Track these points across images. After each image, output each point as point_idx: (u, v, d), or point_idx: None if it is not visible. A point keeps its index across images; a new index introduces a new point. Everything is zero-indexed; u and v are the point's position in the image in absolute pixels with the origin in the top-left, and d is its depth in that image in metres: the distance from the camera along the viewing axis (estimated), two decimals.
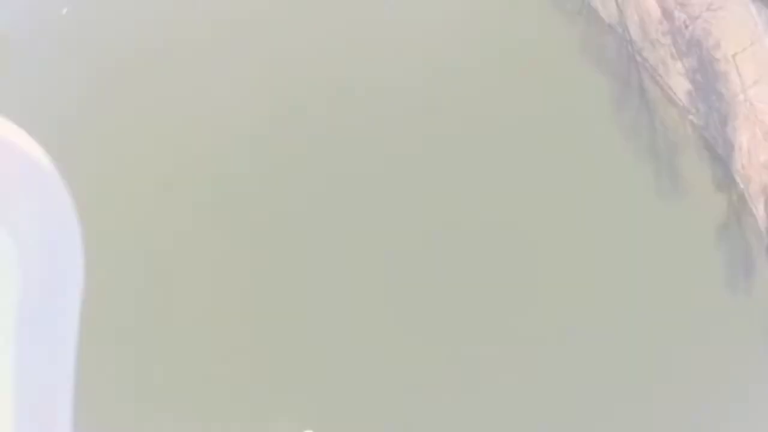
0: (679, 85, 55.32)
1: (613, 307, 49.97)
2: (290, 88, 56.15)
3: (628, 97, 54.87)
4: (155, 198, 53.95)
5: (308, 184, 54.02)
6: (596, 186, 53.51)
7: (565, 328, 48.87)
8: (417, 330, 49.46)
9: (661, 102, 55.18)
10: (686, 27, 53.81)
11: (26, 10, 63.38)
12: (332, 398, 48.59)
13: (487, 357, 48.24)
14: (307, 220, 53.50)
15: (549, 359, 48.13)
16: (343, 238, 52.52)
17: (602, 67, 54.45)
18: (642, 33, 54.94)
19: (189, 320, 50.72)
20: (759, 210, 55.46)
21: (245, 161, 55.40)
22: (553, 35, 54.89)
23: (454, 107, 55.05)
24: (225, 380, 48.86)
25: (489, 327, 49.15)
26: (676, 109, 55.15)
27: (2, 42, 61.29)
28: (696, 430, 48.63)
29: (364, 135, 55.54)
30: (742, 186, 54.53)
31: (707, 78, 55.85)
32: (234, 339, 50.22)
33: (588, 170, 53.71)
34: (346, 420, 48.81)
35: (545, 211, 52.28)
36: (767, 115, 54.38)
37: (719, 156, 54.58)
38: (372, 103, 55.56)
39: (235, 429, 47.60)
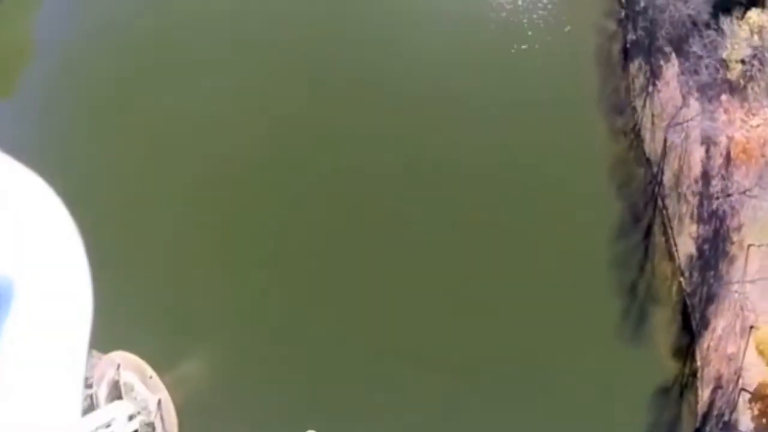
0: (685, 246, 55.42)
1: None
2: None
3: (633, 231, 55.70)
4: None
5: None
6: (564, 294, 53.92)
7: None
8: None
9: (661, 252, 55.76)
10: (717, 198, 54.13)
11: None
12: None
13: None
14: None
15: None
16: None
17: (622, 193, 55.57)
18: (674, 181, 55.75)
19: None
20: (704, 394, 54.32)
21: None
22: (592, 144, 56.61)
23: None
24: None
25: None
26: (672, 265, 55.40)
27: None
28: None
29: None
30: (699, 365, 54.12)
31: (714, 253, 55.79)
32: None
33: (564, 280, 54.22)
34: None
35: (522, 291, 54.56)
36: (752, 314, 54.14)
37: (691, 328, 54.43)
38: None
39: None
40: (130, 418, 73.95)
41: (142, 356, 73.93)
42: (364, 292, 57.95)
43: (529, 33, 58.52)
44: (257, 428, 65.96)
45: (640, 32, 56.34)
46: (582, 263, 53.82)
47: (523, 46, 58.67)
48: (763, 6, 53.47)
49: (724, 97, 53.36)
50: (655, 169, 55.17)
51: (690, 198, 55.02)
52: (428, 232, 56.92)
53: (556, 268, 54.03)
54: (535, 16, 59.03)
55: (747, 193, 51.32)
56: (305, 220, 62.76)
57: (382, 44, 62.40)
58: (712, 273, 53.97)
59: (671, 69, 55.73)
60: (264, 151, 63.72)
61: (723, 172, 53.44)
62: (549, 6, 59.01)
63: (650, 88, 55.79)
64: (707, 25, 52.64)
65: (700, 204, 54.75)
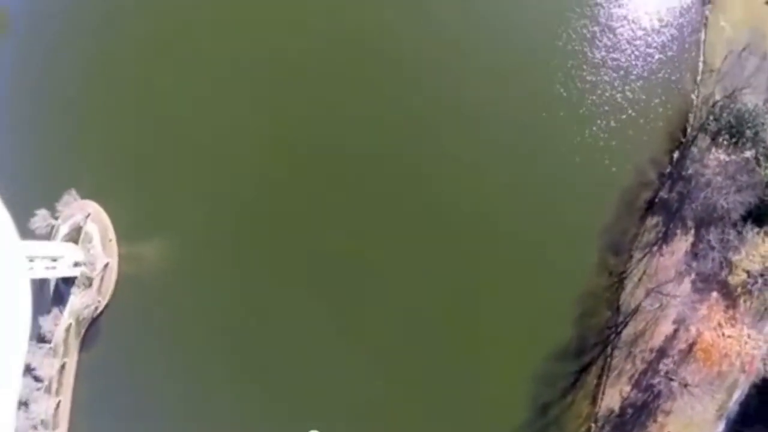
0: (611, 399, 56.15)
1: None
2: None
3: (572, 360, 56.18)
4: None
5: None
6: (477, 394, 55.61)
7: None
8: None
9: (587, 392, 56.46)
10: (661, 376, 54.13)
11: None
12: None
13: None
14: None
15: None
16: None
17: (581, 322, 56.27)
18: (632, 340, 56.44)
19: None
20: None
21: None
22: (576, 267, 57.28)
23: None
24: None
25: None
26: (590, 409, 56.18)
27: None
28: None
29: None
30: None
31: (634, 421, 56.03)
32: None
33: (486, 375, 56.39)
34: None
35: None
36: None
37: None
38: None
39: None
40: (76, 264, 77.57)
41: (113, 218, 78.34)
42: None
43: (569, 148, 60.20)
44: (179, 322, 69.91)
45: (673, 194, 57.49)
46: (512, 361, 55.32)
47: (557, 159, 60.35)
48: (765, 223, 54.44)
49: (714, 294, 54.11)
50: (620, 319, 56.05)
51: (638, 362, 55.90)
52: None
53: (487, 361, 56.10)
54: (587, 133, 60.76)
55: (689, 387, 51.75)
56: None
57: None
58: None
59: (683, 243, 56.72)
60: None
61: (678, 357, 54.03)
62: (603, 129, 60.40)
63: (655, 248, 56.74)
64: (734, 225, 53.68)
65: (644, 372, 55.57)
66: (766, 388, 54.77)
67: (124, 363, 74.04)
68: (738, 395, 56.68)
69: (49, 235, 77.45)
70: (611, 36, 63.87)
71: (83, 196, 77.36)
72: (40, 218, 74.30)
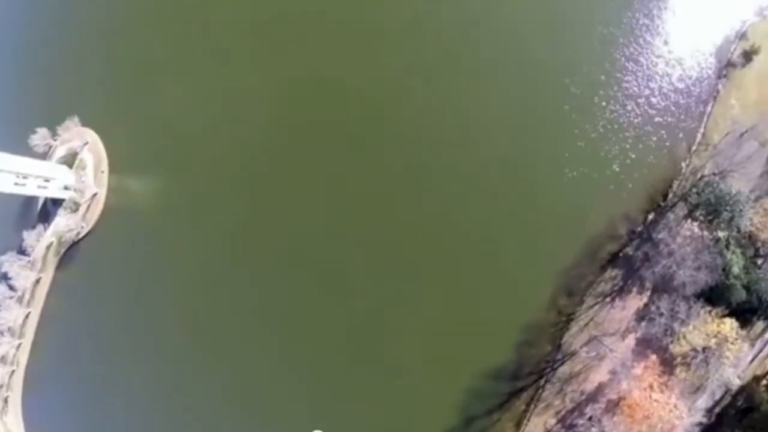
0: (535, 428, 58.48)
1: None
2: None
3: (505, 382, 58.24)
4: None
5: None
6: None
7: None
8: None
9: (514, 416, 58.55)
10: (585, 419, 56.64)
11: None
12: None
13: None
14: None
15: None
16: None
17: (521, 350, 58.11)
18: (566, 378, 58.53)
19: None
20: None
21: None
22: (528, 300, 58.91)
23: None
24: None
25: None
26: (514, 430, 58.31)
27: None
28: None
29: None
30: None
31: None
32: None
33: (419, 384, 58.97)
34: None
35: None
36: None
37: None
38: None
39: None
40: (66, 187, 79.25)
41: (109, 151, 79.80)
42: None
43: (548, 188, 61.27)
44: (157, 259, 72.43)
45: (638, 253, 58.50)
46: (449, 369, 57.38)
47: (533, 195, 61.57)
48: (738, 321, 55.77)
49: (653, 357, 56.12)
50: (558, 356, 58.19)
51: (567, 400, 58.42)
52: None
53: (426, 364, 58.39)
54: (569, 175, 61.37)
55: None
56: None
57: None
58: None
59: (636, 301, 58.48)
60: None
61: (605, 406, 56.29)
62: (585, 176, 60.83)
63: (608, 300, 58.56)
64: (686, 298, 54.85)
65: (571, 412, 58.15)
66: None
67: (96, 288, 76.86)
68: None
69: (45, 155, 79.41)
70: (617, 88, 63.68)
71: (85, 124, 79.04)
72: (40, 136, 76.36)
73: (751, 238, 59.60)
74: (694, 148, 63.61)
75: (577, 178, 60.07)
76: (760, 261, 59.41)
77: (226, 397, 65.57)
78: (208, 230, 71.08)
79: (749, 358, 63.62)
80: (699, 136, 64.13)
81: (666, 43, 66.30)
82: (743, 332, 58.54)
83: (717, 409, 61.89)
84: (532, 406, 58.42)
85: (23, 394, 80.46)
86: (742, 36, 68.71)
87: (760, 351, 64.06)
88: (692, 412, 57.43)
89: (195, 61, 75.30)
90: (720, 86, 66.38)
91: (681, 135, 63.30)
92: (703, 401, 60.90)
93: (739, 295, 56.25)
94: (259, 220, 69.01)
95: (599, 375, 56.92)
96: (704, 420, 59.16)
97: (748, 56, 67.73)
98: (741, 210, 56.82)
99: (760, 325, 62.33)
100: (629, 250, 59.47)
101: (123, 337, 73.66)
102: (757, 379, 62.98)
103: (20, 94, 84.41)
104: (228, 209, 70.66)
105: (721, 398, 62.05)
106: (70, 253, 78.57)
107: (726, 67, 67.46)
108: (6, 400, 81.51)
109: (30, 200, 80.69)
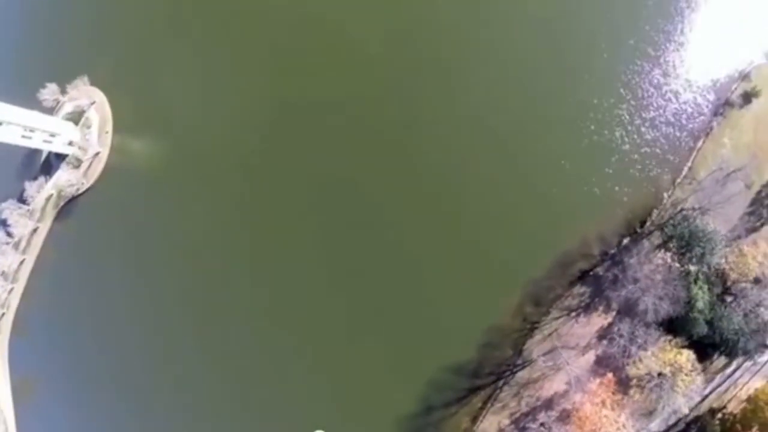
0: (489, 425, 61.25)
1: None
2: None
3: (464, 378, 60.84)
4: None
5: None
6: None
7: None
8: None
9: (471, 411, 61.43)
10: (537, 425, 58.82)
11: None
12: None
13: None
14: None
15: None
16: None
17: (483, 352, 60.42)
18: (523, 383, 60.93)
19: None
20: None
21: None
22: (495, 306, 61.02)
23: None
24: None
25: None
26: (470, 424, 61.30)
27: None
28: None
29: None
30: None
31: None
32: None
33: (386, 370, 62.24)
34: None
35: None
36: None
37: None
38: None
39: None
40: (70, 143, 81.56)
41: (114, 112, 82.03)
42: None
43: (530, 199, 63.15)
44: (151, 221, 74.78)
45: (608, 274, 60.36)
46: (412, 365, 60.23)
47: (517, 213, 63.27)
48: (698, 354, 57.48)
49: (609, 375, 58.39)
50: (519, 361, 60.66)
51: (522, 404, 61.04)
52: None
53: (393, 353, 61.50)
54: (550, 192, 62.96)
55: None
56: None
57: None
58: None
59: (600, 319, 60.72)
60: None
61: (557, 415, 58.84)
62: (567, 194, 62.33)
63: (573, 314, 60.82)
64: (647, 325, 56.69)
65: (525, 415, 60.88)
66: None
67: (90, 243, 79.96)
68: None
69: (52, 110, 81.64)
70: (608, 113, 64.46)
71: (93, 84, 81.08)
72: (50, 91, 78.65)
73: (722, 276, 61.17)
74: (678, 180, 64.61)
75: (558, 196, 61.66)
76: (729, 299, 60.66)
77: (216, 351, 68.53)
78: (204, 195, 73.24)
79: (707, 391, 65.89)
80: (685, 170, 65.07)
81: (665, 74, 66.83)
82: (701, 365, 60.15)
83: None
84: (489, 404, 61.08)
85: (11, 337, 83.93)
86: (745, 77, 68.82)
87: (720, 385, 66.46)
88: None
89: (204, 31, 76.98)
90: (714, 124, 67.06)
91: (667, 167, 64.34)
92: (656, 425, 63.57)
93: (701, 329, 58.30)
94: (257, 186, 71.20)
95: (556, 384, 59.52)
96: None
97: (747, 98, 67.99)
98: (713, 248, 58.14)
99: (721, 360, 64.40)
100: (600, 271, 61.31)
101: (113, 290, 76.68)
102: (712, 411, 65.57)
103: (32, 50, 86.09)
104: (226, 177, 72.51)
105: (675, 424, 64.67)
106: (68, 206, 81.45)
107: (724, 106, 67.86)
108: None
109: (33, 152, 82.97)
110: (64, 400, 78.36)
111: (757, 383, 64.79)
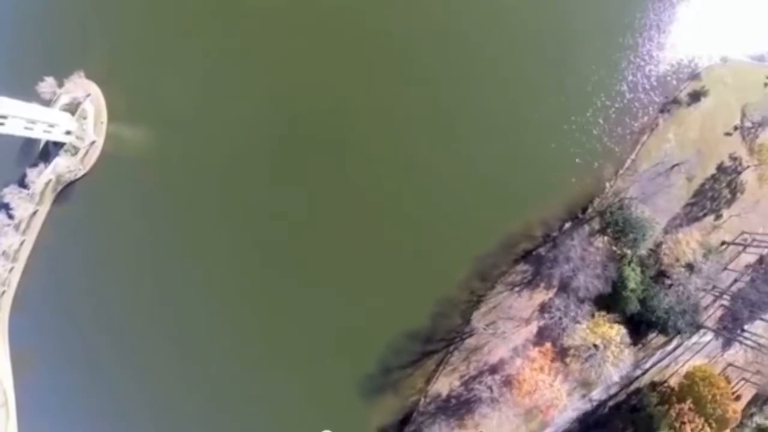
0: (441, 386, 69.06)
1: None
2: None
3: (417, 342, 69.00)
4: None
5: None
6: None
7: None
8: None
9: (425, 373, 69.68)
10: (483, 387, 66.23)
11: None
12: None
13: None
14: None
15: None
16: None
17: (435, 320, 68.51)
18: (472, 349, 68.86)
19: None
20: None
21: None
22: (444, 280, 68.85)
23: None
24: None
25: None
26: (423, 386, 69.59)
27: None
28: None
29: None
30: None
31: (452, 410, 69.25)
32: None
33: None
34: None
35: None
36: None
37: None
38: None
39: None
40: (68, 132, 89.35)
41: (109, 105, 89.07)
42: None
43: (477, 193, 70.16)
44: (143, 205, 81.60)
45: (550, 255, 67.67)
46: (373, 331, 67.90)
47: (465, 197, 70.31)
48: (634, 330, 65.41)
49: (548, 345, 66.28)
50: (467, 330, 68.14)
51: (471, 368, 68.92)
52: None
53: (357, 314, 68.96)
54: (499, 177, 70.12)
55: (494, 403, 65.09)
56: None
57: None
58: (440, 416, 68.68)
59: (541, 295, 68.34)
60: None
61: (501, 378, 66.00)
62: (515, 179, 69.41)
63: (516, 289, 68.39)
64: (581, 300, 64.01)
65: (473, 378, 68.68)
66: None
67: (87, 224, 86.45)
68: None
69: (49, 102, 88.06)
70: (557, 108, 70.72)
71: (89, 77, 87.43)
72: (48, 84, 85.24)
73: (657, 260, 68.83)
74: (621, 171, 71.59)
75: (506, 182, 68.96)
76: (663, 282, 68.51)
77: (212, 321, 75.39)
78: (193, 180, 79.78)
79: (648, 365, 74.43)
80: (628, 162, 71.94)
81: (616, 71, 73.25)
82: (641, 341, 69.63)
83: (611, 403, 73.16)
84: (441, 367, 68.80)
85: (10, 314, 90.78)
86: (695, 77, 75.85)
87: (661, 360, 75.03)
88: (575, 397, 68.39)
89: (193, 26, 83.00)
90: (660, 120, 73.78)
91: (611, 159, 71.54)
92: (598, 393, 72.05)
93: (633, 306, 66.27)
94: (248, 173, 77.33)
95: (501, 351, 67.30)
96: (590, 408, 70.52)
97: (696, 96, 74.87)
98: (644, 234, 65.45)
99: (661, 338, 72.54)
100: (542, 251, 68.78)
101: (108, 268, 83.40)
102: (654, 384, 74.10)
103: (29, 46, 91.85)
104: (214, 163, 78.89)
105: (616, 394, 73.53)
106: (66, 191, 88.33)
107: (671, 104, 74.67)
108: None
109: (32, 140, 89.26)
110: (61, 373, 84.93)
111: (697, 362, 73.22)
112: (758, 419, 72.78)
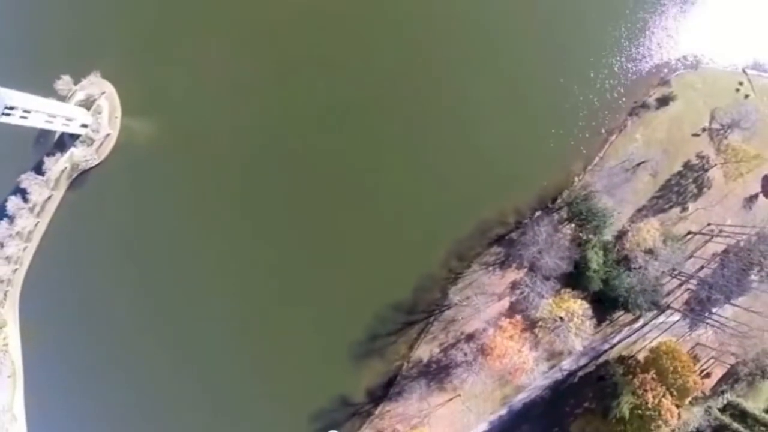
0: (423, 352, 77.90)
1: None
2: None
3: (401, 313, 78.44)
4: None
5: None
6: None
7: None
8: None
9: (408, 339, 79.13)
10: (461, 355, 75.04)
11: None
12: None
13: None
14: None
15: None
16: None
17: (417, 294, 77.92)
18: (451, 318, 77.86)
19: None
20: None
21: None
22: (427, 258, 78.35)
23: None
24: None
25: None
26: (407, 352, 78.61)
27: None
28: None
29: None
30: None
31: (432, 375, 78.38)
32: None
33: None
34: None
35: None
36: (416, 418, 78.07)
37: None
38: None
39: None
40: (83, 125, 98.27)
41: (123, 101, 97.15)
42: None
43: (454, 183, 78.92)
44: (154, 194, 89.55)
45: (521, 239, 76.30)
46: (360, 301, 76.92)
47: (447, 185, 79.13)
48: (599, 306, 73.70)
49: (518, 317, 74.63)
50: (446, 302, 76.86)
51: (449, 336, 77.58)
52: None
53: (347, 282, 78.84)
54: (475, 171, 78.72)
55: (469, 366, 73.52)
56: None
57: None
58: (421, 379, 77.54)
59: (513, 274, 77.43)
60: None
61: (476, 346, 75.00)
62: (492, 172, 77.89)
63: (490, 269, 77.55)
64: (546, 278, 73.02)
65: (451, 346, 77.50)
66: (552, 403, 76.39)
67: (98, 210, 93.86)
68: (523, 396, 79.02)
69: (65, 98, 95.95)
70: (530, 108, 79.10)
71: (104, 77, 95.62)
72: (64, 82, 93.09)
73: (620, 245, 77.78)
74: (589, 167, 79.87)
75: (482, 174, 78.52)
76: (632, 265, 76.41)
77: (215, 304, 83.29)
78: (202, 169, 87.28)
79: (615, 340, 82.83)
80: (597, 159, 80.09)
81: (590, 73, 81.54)
82: (600, 316, 77.01)
83: (581, 373, 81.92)
84: (423, 336, 77.93)
85: (22, 289, 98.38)
86: (665, 82, 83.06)
87: (628, 336, 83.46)
88: (545, 365, 76.99)
89: (203, 30, 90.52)
90: (629, 122, 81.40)
91: (580, 155, 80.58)
92: (568, 364, 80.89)
93: (596, 285, 75.08)
94: (258, 165, 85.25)
95: (476, 322, 76.38)
96: (561, 377, 79.58)
97: (665, 101, 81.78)
98: (604, 222, 74.70)
99: (628, 316, 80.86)
100: (514, 236, 78.11)
101: (116, 251, 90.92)
102: (621, 358, 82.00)
103: (49, 46, 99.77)
104: (222, 155, 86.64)
105: (586, 365, 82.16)
106: (80, 178, 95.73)
107: (639, 107, 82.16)
108: (6, 294, 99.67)
109: (47, 131, 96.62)
110: (68, 347, 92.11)
111: (664, 339, 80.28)
112: (729, 396, 78.43)
